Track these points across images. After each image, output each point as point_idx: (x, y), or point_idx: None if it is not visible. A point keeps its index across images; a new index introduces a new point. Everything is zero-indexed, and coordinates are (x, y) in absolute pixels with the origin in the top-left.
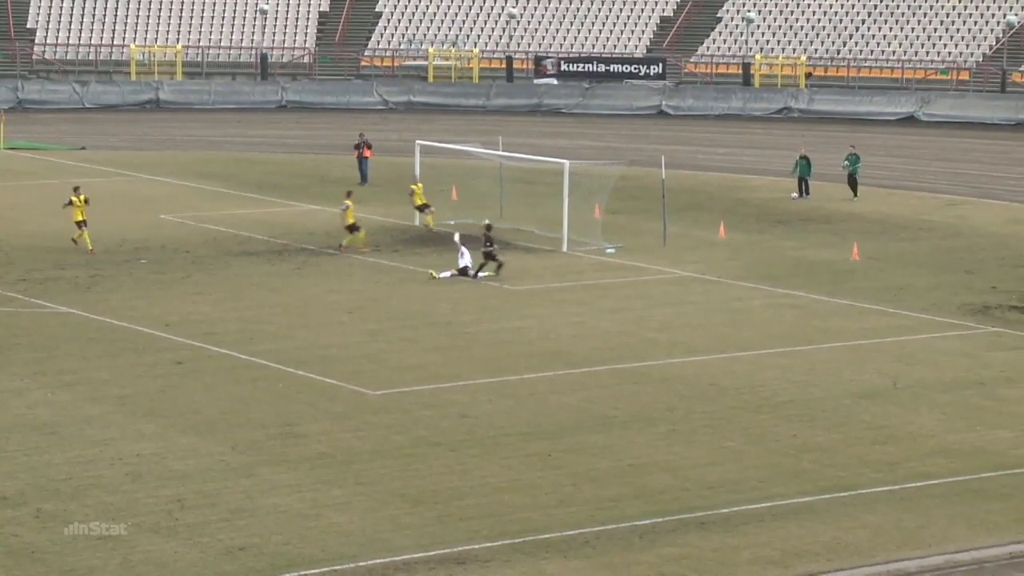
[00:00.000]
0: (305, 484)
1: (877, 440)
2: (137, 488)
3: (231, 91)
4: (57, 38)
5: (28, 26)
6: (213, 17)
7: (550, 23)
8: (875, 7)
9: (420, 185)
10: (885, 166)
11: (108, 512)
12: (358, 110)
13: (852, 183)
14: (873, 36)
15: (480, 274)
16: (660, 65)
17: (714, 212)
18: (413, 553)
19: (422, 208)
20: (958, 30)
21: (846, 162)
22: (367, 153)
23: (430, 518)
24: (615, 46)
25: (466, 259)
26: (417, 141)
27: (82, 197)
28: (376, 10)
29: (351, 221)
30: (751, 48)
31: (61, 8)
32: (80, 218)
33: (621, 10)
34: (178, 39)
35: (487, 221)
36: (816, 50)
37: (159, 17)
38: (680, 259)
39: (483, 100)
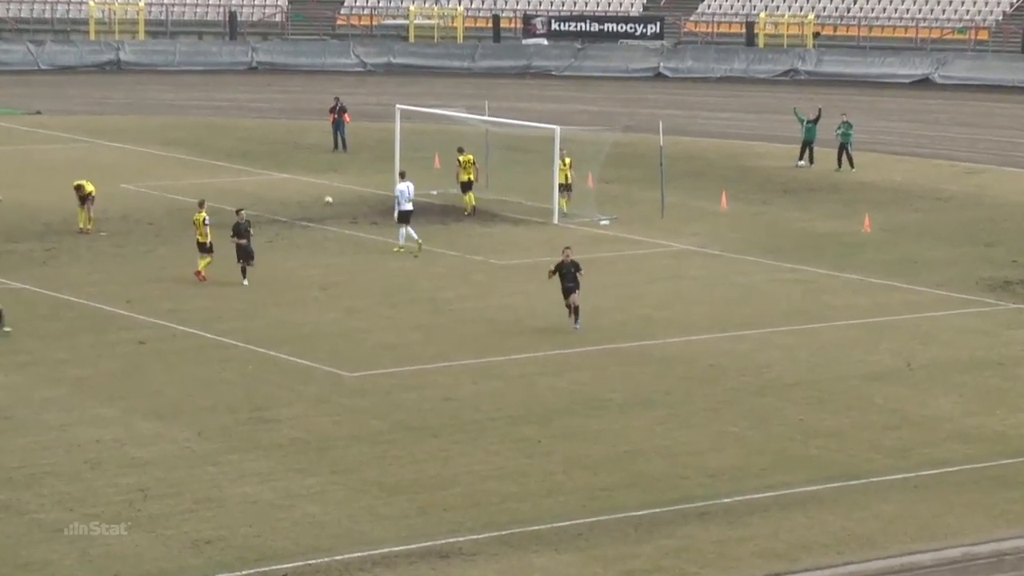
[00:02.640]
0: (276, 472)
1: (890, 424)
2: (96, 477)
3: (197, 52)
4: None
5: None
6: None
7: None
8: None
9: (569, 160)
10: (899, 131)
11: (65, 502)
12: (334, 72)
13: (843, 152)
14: None
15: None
16: (658, 24)
17: (715, 181)
18: (392, 546)
19: (564, 188)
20: None
21: (839, 130)
22: (346, 118)
23: (411, 509)
24: (609, 4)
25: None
26: (397, 106)
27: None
28: None
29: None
30: (755, 6)
31: None
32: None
33: None
34: None
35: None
36: (824, 8)
37: None
38: (679, 231)
39: (468, 62)
